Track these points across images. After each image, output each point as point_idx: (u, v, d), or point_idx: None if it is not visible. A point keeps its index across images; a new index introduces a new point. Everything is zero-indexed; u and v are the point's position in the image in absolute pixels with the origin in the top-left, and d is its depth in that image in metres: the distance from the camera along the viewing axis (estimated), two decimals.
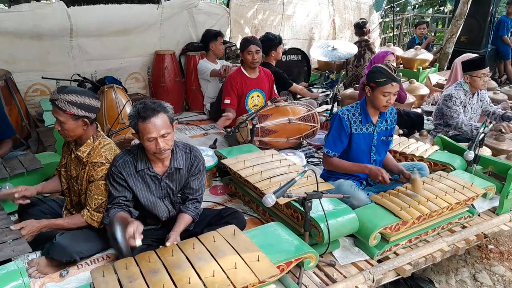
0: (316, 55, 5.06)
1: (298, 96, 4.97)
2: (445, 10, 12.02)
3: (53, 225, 2.30)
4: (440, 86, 5.85)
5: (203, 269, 1.85)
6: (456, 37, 7.24)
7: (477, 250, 3.14)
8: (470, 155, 3.01)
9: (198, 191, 2.42)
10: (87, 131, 2.33)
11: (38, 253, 2.37)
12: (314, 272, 2.30)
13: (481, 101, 4.07)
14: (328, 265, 2.36)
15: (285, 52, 5.55)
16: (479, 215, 2.94)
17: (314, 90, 5.24)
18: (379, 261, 2.44)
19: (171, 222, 2.34)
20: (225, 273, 1.84)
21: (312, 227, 2.31)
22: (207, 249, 1.99)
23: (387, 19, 9.72)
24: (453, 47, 7.24)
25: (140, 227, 2.00)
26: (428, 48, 7.38)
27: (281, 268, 1.98)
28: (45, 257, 2.28)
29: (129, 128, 2.86)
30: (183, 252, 1.98)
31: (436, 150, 3.33)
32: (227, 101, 4.10)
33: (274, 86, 4.44)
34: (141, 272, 1.85)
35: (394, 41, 9.68)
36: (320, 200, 2.25)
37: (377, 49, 6.47)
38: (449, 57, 7.21)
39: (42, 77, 4.25)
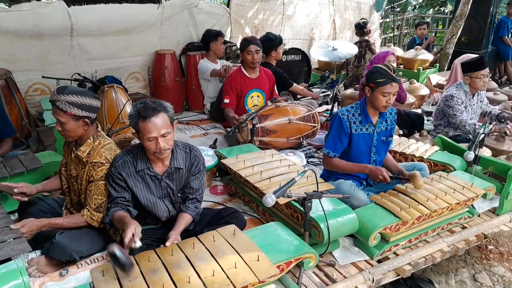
0: (317, 55, 5.06)
1: (299, 96, 4.97)
2: (446, 11, 12.02)
3: (53, 224, 2.30)
4: (440, 86, 5.85)
5: (203, 269, 1.85)
6: (457, 37, 7.24)
7: (477, 251, 3.15)
8: (470, 155, 3.01)
9: (198, 191, 2.42)
10: (88, 131, 2.33)
11: (38, 252, 2.37)
12: (314, 272, 2.31)
13: (480, 101, 4.07)
14: (328, 265, 2.36)
15: (286, 52, 5.55)
16: (479, 216, 2.94)
17: (314, 90, 5.24)
18: (379, 261, 2.44)
19: (171, 222, 2.34)
20: (225, 273, 1.84)
21: (312, 227, 2.31)
22: (207, 249, 1.99)
23: (388, 20, 9.73)
24: (453, 48, 7.24)
25: (138, 229, 1.99)
26: (428, 48, 7.38)
27: (281, 268, 1.98)
28: (45, 256, 2.28)
29: (129, 128, 2.86)
30: (183, 251, 1.98)
31: (436, 151, 3.33)
32: (226, 100, 4.11)
33: (275, 86, 4.45)
34: (141, 271, 1.85)
35: (395, 41, 9.68)
36: (320, 200, 2.25)
37: (378, 49, 6.46)
38: (450, 57, 7.20)
39: (43, 77, 4.25)
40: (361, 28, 5.97)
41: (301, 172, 2.21)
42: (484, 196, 2.82)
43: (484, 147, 3.28)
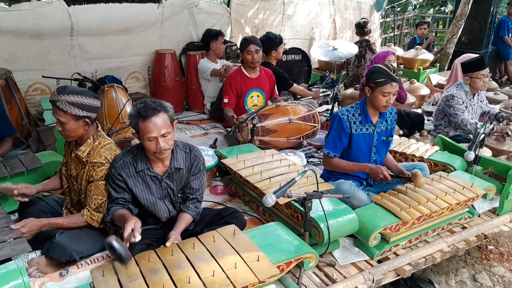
0: (317, 55, 5.06)
1: (299, 96, 4.97)
2: (446, 11, 12.01)
3: (53, 224, 2.30)
4: (440, 86, 5.85)
5: (203, 269, 1.85)
6: (457, 37, 7.24)
7: (477, 251, 3.14)
8: (471, 155, 3.01)
9: (198, 191, 2.42)
10: (88, 131, 2.33)
11: (38, 252, 2.37)
12: (314, 272, 2.30)
13: (481, 101, 4.07)
14: (328, 265, 2.36)
15: (286, 52, 5.55)
16: (479, 216, 2.94)
17: (314, 89, 5.24)
18: (379, 261, 2.44)
19: (172, 222, 2.33)
20: (225, 273, 1.84)
21: (312, 227, 2.31)
22: (207, 249, 1.99)
23: (388, 19, 9.72)
24: (453, 48, 7.24)
25: (138, 224, 1.99)
26: (428, 48, 7.38)
27: (281, 268, 1.98)
28: (45, 256, 2.28)
29: (130, 128, 2.86)
30: (183, 252, 1.98)
31: (437, 151, 3.33)
32: (225, 100, 4.12)
33: (275, 86, 4.44)
34: (141, 271, 1.85)
35: (395, 41, 9.67)
36: (320, 200, 2.25)
37: (378, 49, 6.46)
38: (450, 57, 7.20)
39: (43, 76, 4.25)
40: (361, 28, 5.97)
41: (301, 172, 2.21)
42: (484, 196, 2.82)
43: (484, 147, 3.28)
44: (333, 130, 2.86)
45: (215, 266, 1.87)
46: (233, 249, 1.99)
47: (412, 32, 9.98)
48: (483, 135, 3.07)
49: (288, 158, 3.14)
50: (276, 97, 4.04)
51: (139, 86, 5.25)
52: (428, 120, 4.72)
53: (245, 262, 1.90)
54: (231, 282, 1.79)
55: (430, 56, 6.65)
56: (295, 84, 4.75)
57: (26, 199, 2.44)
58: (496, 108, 4.70)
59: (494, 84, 5.83)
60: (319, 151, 4.06)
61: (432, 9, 12.57)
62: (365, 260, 2.44)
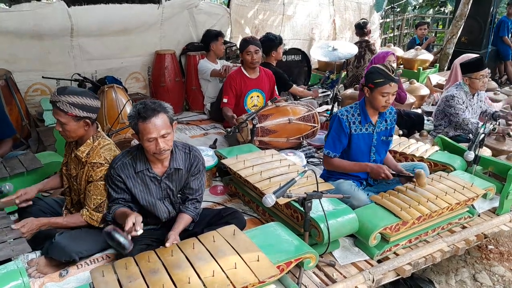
0: (317, 56, 5.06)
1: (298, 97, 4.97)
2: (446, 11, 12.02)
3: (52, 224, 2.30)
4: (440, 86, 5.86)
5: (203, 269, 1.85)
6: (457, 37, 7.24)
7: (477, 251, 3.14)
8: (470, 155, 3.01)
9: (198, 191, 2.42)
10: (88, 131, 2.33)
11: (38, 252, 2.37)
12: (314, 272, 2.30)
13: (480, 101, 4.07)
14: (328, 265, 2.36)
15: (286, 52, 5.55)
16: (479, 216, 2.94)
17: (313, 89, 5.24)
18: (379, 261, 2.44)
19: (171, 222, 2.33)
20: (225, 273, 1.84)
21: (312, 227, 2.31)
22: (207, 249, 1.99)
23: (388, 20, 9.73)
24: (453, 48, 7.24)
25: (139, 218, 1.99)
26: (428, 48, 7.38)
27: (281, 268, 1.98)
28: (45, 257, 2.29)
29: (129, 128, 2.86)
30: (182, 252, 1.98)
31: (436, 151, 3.33)
32: (224, 100, 4.12)
33: (275, 86, 4.45)
34: (140, 272, 1.85)
35: (395, 41, 9.68)
36: (320, 200, 2.25)
37: (378, 49, 6.46)
38: (450, 57, 7.21)
39: (43, 77, 4.25)
40: (361, 28, 5.97)
41: (301, 172, 2.21)
42: (484, 196, 2.82)
43: (484, 147, 3.29)
44: (332, 130, 2.86)
45: (215, 266, 1.87)
46: (233, 249, 1.99)
47: (412, 32, 9.98)
48: (483, 135, 3.08)
49: (288, 158, 3.14)
50: (276, 98, 4.04)
51: (139, 87, 5.25)
52: (428, 120, 4.72)
53: (245, 262, 1.90)
54: (231, 282, 1.79)
55: (429, 57, 6.65)
56: (294, 85, 4.75)
57: (30, 202, 2.46)
58: (498, 106, 4.71)
59: (494, 84, 5.84)
60: (319, 151, 4.06)
61: (431, 10, 12.59)
62: (365, 260, 2.44)
